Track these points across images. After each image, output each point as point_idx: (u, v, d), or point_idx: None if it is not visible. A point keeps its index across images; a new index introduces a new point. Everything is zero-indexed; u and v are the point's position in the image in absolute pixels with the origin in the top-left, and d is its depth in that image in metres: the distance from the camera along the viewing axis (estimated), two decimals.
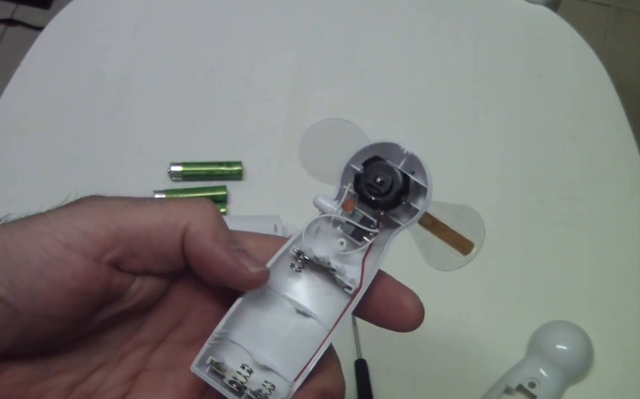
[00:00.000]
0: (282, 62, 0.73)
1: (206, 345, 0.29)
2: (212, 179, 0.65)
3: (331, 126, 0.33)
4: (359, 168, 0.31)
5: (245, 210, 0.64)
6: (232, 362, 0.30)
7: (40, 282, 0.26)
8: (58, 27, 0.74)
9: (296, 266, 0.31)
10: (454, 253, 0.31)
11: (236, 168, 0.65)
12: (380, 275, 0.31)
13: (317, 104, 0.71)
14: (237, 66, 0.73)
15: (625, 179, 0.68)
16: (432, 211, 0.30)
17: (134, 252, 0.28)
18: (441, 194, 0.66)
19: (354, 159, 0.31)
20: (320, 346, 0.30)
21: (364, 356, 0.57)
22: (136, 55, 0.73)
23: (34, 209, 0.29)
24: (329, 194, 0.32)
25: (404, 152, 0.31)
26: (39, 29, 0.74)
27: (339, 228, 0.32)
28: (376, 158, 0.31)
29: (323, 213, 0.31)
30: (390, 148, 0.31)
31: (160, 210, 0.29)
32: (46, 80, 0.71)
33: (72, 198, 0.30)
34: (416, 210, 0.31)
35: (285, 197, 0.64)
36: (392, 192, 0.30)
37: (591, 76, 0.74)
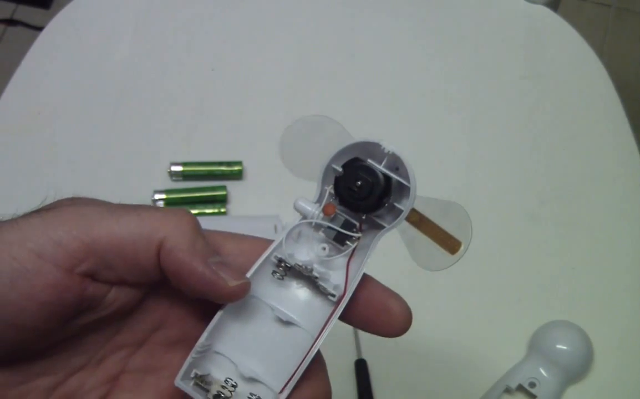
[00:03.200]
0: (283, 62, 0.73)
1: (189, 359, 0.28)
2: (212, 179, 0.65)
3: (313, 123, 0.31)
4: (339, 169, 0.30)
5: (245, 210, 0.64)
6: (218, 373, 0.30)
7: (11, 293, 0.26)
8: (58, 27, 0.74)
9: (278, 274, 0.30)
10: (441, 252, 0.30)
11: (236, 168, 0.65)
12: (366, 278, 0.30)
13: (318, 103, 0.71)
14: (237, 66, 0.73)
15: (625, 179, 0.68)
16: (419, 207, 0.30)
17: (108, 264, 0.27)
18: (441, 194, 0.66)
19: (334, 159, 0.30)
20: (306, 355, 0.29)
21: (364, 356, 0.57)
22: (136, 55, 0.73)
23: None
24: (311, 195, 0.30)
25: (385, 151, 0.29)
26: (39, 29, 0.74)
27: (321, 232, 0.31)
28: (356, 160, 0.30)
29: (304, 217, 0.30)
30: (372, 147, 0.29)
31: (136, 221, 0.28)
32: (46, 80, 0.71)
33: (49, 200, 0.29)
34: (400, 211, 0.29)
35: (285, 196, 0.64)
36: (373, 195, 0.29)
37: (591, 76, 0.74)
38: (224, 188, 0.64)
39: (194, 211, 0.62)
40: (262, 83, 0.72)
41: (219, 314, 0.29)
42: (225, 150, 0.66)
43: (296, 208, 0.30)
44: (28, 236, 0.26)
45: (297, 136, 0.31)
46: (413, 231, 0.30)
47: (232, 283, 0.28)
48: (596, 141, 0.70)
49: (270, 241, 0.30)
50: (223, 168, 0.65)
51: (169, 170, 0.64)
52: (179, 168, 0.64)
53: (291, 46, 0.75)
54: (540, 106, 0.72)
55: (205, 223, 0.67)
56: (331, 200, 0.30)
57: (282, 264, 0.30)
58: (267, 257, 0.30)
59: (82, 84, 0.71)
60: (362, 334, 0.57)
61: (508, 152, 0.69)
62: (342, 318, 0.30)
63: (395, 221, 0.30)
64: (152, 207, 0.29)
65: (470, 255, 0.68)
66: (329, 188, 0.30)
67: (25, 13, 1.57)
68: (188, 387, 0.28)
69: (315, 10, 0.77)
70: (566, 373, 0.55)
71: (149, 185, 0.63)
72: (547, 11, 0.78)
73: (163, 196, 0.63)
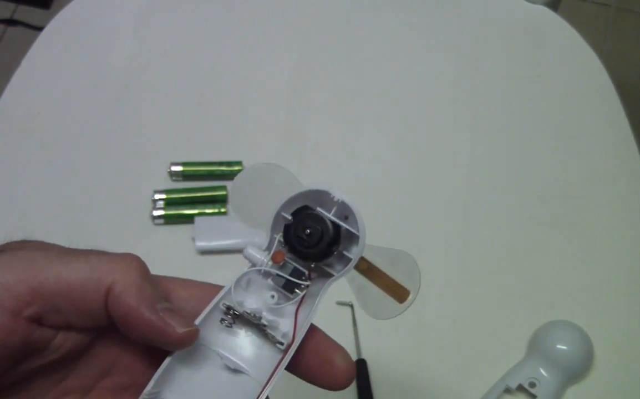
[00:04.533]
0: (283, 62, 0.73)
1: None
2: (212, 179, 0.65)
3: (263, 171, 0.32)
4: (289, 217, 0.30)
5: None
6: None
7: None
8: (58, 27, 0.74)
9: (227, 321, 0.30)
10: (389, 301, 0.30)
11: (236, 168, 0.65)
12: (312, 329, 0.30)
13: (317, 104, 0.71)
14: (237, 66, 0.73)
15: (625, 179, 0.68)
16: (368, 255, 0.30)
17: (55, 308, 0.27)
18: (442, 193, 0.66)
19: (284, 207, 0.30)
20: None
21: (364, 356, 0.57)
22: (136, 55, 0.73)
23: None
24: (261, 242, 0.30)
25: (335, 199, 0.29)
26: (39, 29, 0.74)
27: (270, 280, 0.30)
28: (305, 208, 0.30)
29: (253, 265, 0.30)
30: (322, 195, 0.29)
31: (84, 266, 0.28)
32: (46, 80, 0.71)
33: None
34: (350, 259, 0.29)
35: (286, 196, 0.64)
36: (321, 244, 0.29)
37: (591, 76, 0.74)
38: (224, 188, 0.64)
39: (194, 212, 0.62)
40: (261, 83, 0.72)
41: (166, 361, 0.29)
42: (225, 150, 0.66)
43: (245, 256, 0.30)
44: None
45: (247, 183, 0.31)
46: (362, 279, 0.30)
47: (180, 330, 0.28)
48: (596, 141, 0.70)
49: (220, 287, 0.30)
50: (223, 168, 0.65)
51: (169, 170, 0.64)
52: (179, 168, 0.64)
53: (292, 46, 0.75)
54: (540, 106, 0.72)
55: (206, 223, 0.67)
56: (280, 247, 0.30)
57: (231, 311, 0.30)
58: (216, 304, 0.30)
59: (82, 84, 0.71)
60: (362, 334, 0.57)
61: (508, 152, 0.69)
62: (288, 367, 0.30)
63: (344, 270, 0.30)
64: (102, 252, 0.29)
65: (471, 254, 0.68)
66: (279, 236, 0.30)
67: (25, 13, 1.57)
68: None
69: (316, 11, 0.77)
70: (566, 373, 0.55)
71: (149, 185, 0.63)
72: (547, 11, 0.78)
73: (163, 196, 0.63)
